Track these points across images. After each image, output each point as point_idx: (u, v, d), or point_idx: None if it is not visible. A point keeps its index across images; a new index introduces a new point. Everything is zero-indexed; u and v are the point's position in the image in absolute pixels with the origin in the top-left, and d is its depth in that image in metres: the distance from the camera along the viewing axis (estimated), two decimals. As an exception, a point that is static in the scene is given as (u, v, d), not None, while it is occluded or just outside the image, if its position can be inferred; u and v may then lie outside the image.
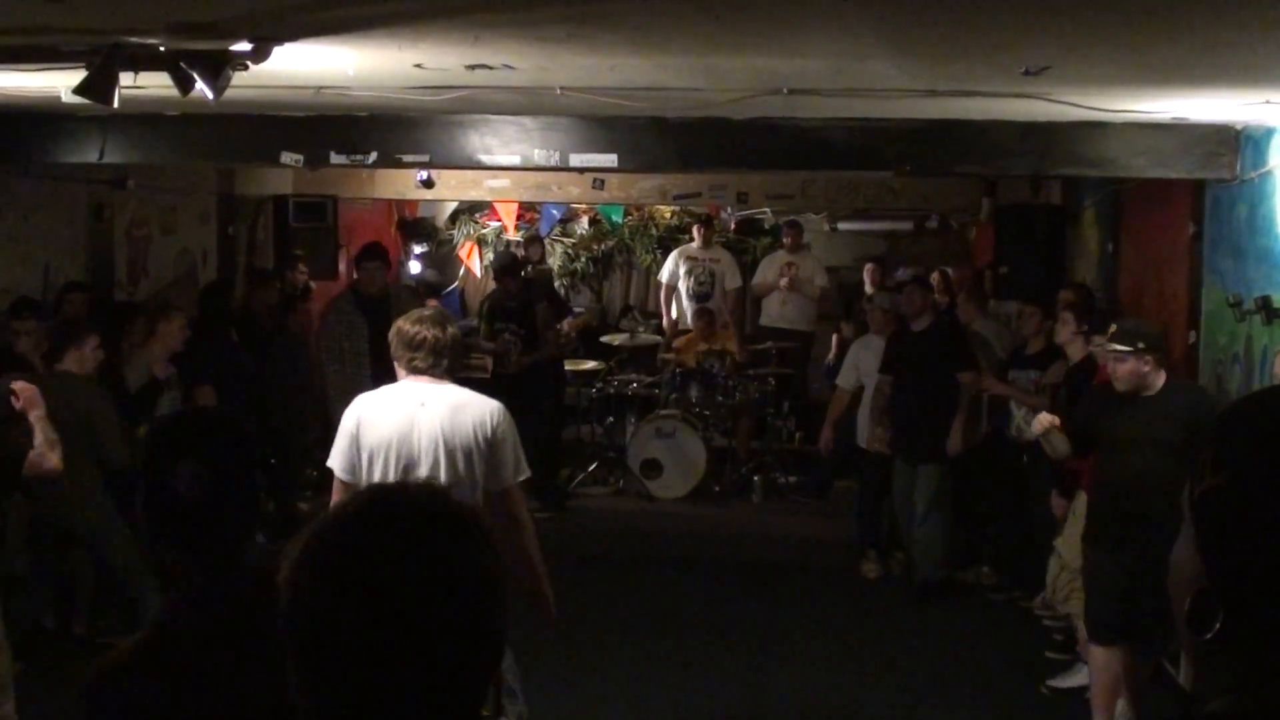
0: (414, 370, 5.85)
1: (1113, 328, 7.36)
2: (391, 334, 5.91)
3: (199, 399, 9.92)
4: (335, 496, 5.79)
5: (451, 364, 5.93)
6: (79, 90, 5.60)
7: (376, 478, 5.76)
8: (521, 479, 5.99)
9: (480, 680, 1.82)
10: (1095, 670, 7.41)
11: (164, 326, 9.46)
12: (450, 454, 5.79)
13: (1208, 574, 1.62)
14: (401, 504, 1.85)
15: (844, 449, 11.43)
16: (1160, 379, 7.10)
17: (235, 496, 2.99)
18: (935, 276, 13.67)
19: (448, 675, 1.78)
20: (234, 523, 2.98)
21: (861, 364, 11.00)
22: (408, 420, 5.79)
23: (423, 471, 5.76)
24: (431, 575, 1.77)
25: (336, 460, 5.87)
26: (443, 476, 5.74)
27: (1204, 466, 1.65)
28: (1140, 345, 7.06)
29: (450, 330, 5.92)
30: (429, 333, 5.83)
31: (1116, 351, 7.13)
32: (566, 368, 13.92)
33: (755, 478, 13.20)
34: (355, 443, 5.82)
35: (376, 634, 1.74)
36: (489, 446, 5.85)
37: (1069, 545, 8.40)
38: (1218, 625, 1.59)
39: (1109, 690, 7.34)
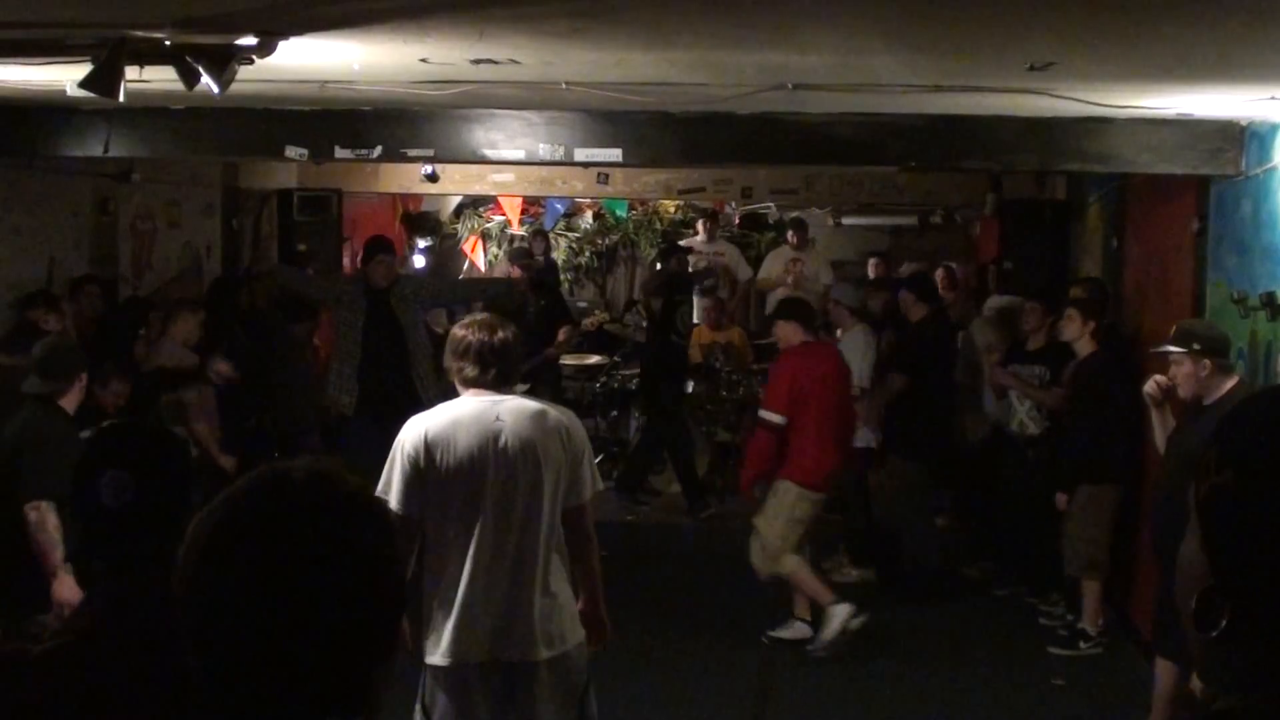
0: (465, 381, 5.40)
1: (1174, 329, 7.10)
2: (449, 342, 5.49)
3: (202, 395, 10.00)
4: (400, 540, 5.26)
5: (509, 371, 5.46)
6: (84, 84, 5.60)
7: (458, 508, 5.28)
8: (598, 491, 5.64)
9: (368, 660, 1.82)
10: (1156, 678, 7.22)
11: (180, 323, 9.54)
12: (543, 472, 5.32)
13: (1213, 572, 1.62)
14: (289, 483, 1.84)
15: None
16: (1223, 386, 6.71)
17: (159, 507, 2.98)
18: (940, 272, 13.68)
19: (334, 655, 1.78)
20: (156, 534, 2.92)
21: None
22: (489, 441, 5.27)
23: (520, 495, 5.29)
24: (316, 555, 1.78)
25: (392, 496, 5.22)
26: (545, 497, 5.33)
27: (1209, 464, 1.66)
28: (1195, 346, 6.71)
29: (501, 334, 5.43)
30: (475, 337, 5.38)
31: (1171, 353, 6.82)
32: (570, 362, 13.97)
33: (759, 472, 13.20)
34: (419, 473, 5.25)
35: (259, 612, 1.75)
36: (571, 460, 5.43)
37: (766, 525, 8.87)
38: (1224, 623, 1.59)
39: (1165, 698, 7.17)
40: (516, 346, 5.53)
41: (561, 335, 12.92)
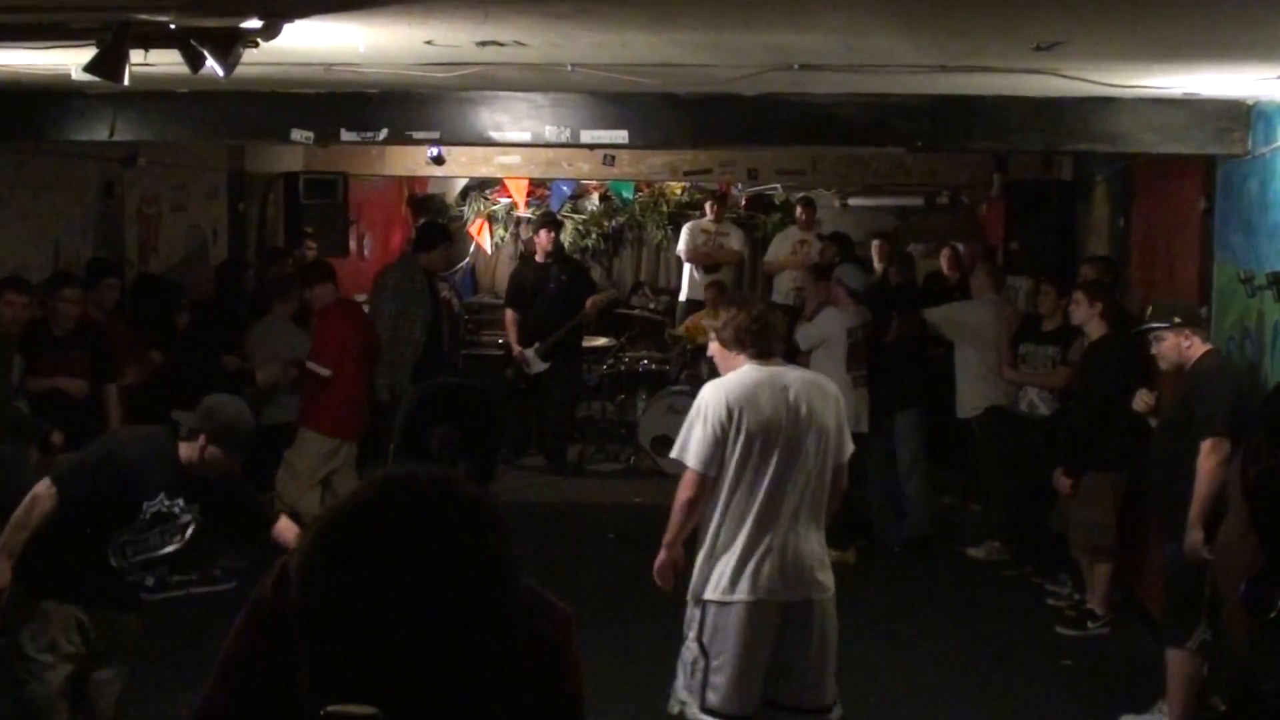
0: (761, 357, 5.95)
1: (1150, 308, 7.41)
2: (726, 325, 6.00)
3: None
4: (690, 493, 5.89)
5: (778, 344, 6.11)
6: (89, 68, 5.60)
7: (756, 463, 5.82)
8: (852, 452, 6.13)
9: (489, 664, 1.79)
10: (1169, 667, 7.20)
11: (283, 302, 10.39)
12: (824, 432, 5.90)
13: (1266, 555, 1.60)
14: (412, 491, 1.84)
15: None
16: (1196, 353, 7.10)
17: (478, 456, 3.35)
18: (946, 252, 13.67)
19: (457, 661, 1.76)
20: (477, 479, 3.18)
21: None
22: (787, 402, 5.84)
23: (803, 451, 5.84)
24: (440, 563, 1.76)
25: (699, 454, 5.85)
26: (823, 454, 5.89)
27: (1259, 447, 1.64)
28: (1176, 320, 7.08)
29: (772, 314, 6.13)
30: (773, 318, 6.05)
31: (1154, 330, 7.15)
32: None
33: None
34: (723, 434, 5.81)
35: (384, 620, 1.72)
36: (838, 424, 5.98)
37: (300, 459, 9.73)
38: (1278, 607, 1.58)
39: (1180, 687, 7.14)
40: (782, 324, 6.27)
41: (590, 304, 13.06)
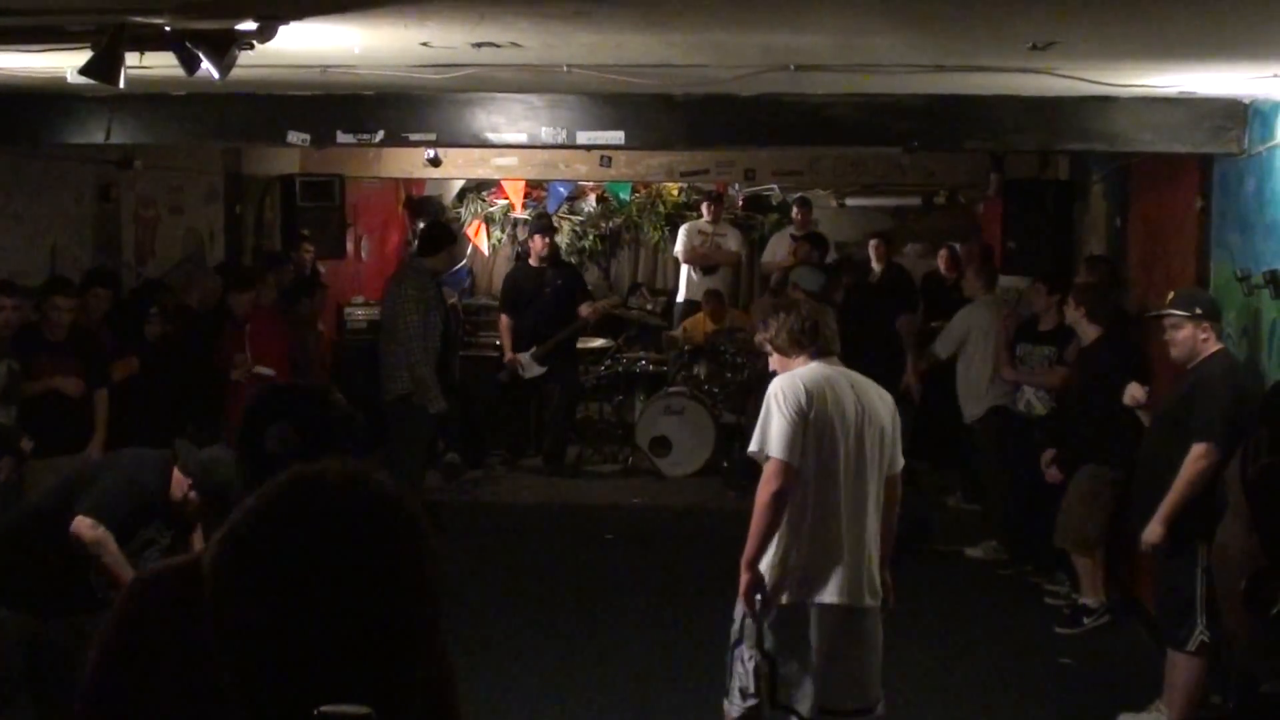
0: (822, 354, 5.91)
1: (1171, 295, 7.35)
2: (779, 333, 5.94)
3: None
4: (778, 483, 5.68)
5: (836, 344, 6.04)
6: (85, 70, 5.59)
7: (825, 460, 5.72)
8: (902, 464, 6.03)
9: (406, 666, 1.78)
10: (1169, 670, 7.21)
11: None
12: (884, 436, 5.85)
13: (1267, 553, 1.60)
14: (323, 489, 1.82)
15: None
16: (1207, 351, 7.03)
17: (318, 454, 3.14)
18: (943, 253, 13.68)
19: (373, 662, 1.74)
20: None
21: None
22: (854, 401, 5.80)
23: (864, 454, 5.77)
24: (352, 562, 1.75)
25: (781, 443, 5.67)
26: (879, 461, 5.83)
27: (1259, 444, 1.63)
28: (1198, 311, 7.01)
29: (826, 314, 6.08)
30: (823, 315, 5.99)
31: (1173, 316, 7.08)
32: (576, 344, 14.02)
33: (765, 455, 13.20)
34: (804, 423, 5.69)
35: (297, 620, 1.72)
36: (894, 434, 5.93)
37: None
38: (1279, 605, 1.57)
39: (1182, 690, 7.14)
40: (834, 320, 6.13)
41: (584, 310, 13.06)
